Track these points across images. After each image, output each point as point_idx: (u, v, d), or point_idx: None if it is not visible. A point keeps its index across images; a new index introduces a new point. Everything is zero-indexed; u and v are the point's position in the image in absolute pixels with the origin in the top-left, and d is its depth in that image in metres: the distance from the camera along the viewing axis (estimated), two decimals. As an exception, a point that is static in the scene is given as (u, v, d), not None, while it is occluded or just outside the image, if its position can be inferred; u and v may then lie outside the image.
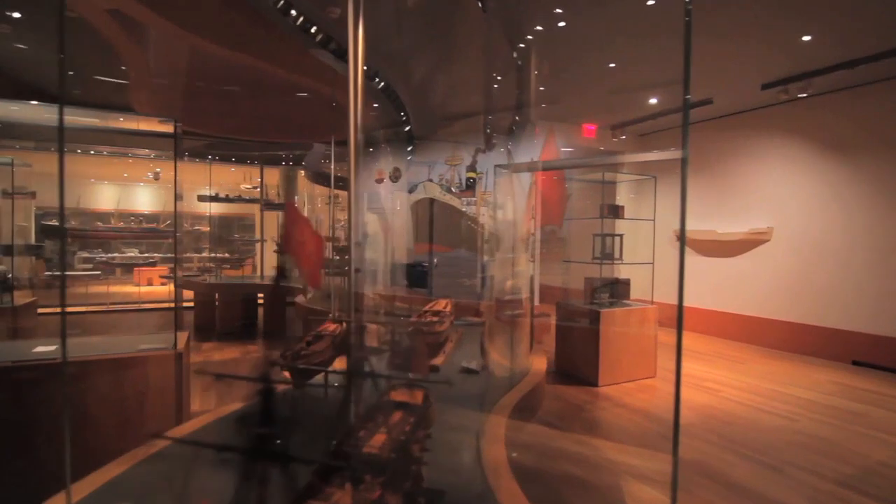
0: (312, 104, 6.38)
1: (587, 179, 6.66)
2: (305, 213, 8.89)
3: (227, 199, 10.53)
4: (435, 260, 6.27)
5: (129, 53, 4.73)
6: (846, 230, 6.94)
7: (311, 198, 8.83)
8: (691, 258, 9.08)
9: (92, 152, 10.96)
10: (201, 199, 10.43)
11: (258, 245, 10.04)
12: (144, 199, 13.76)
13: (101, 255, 12.09)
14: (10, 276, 4.96)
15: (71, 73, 6.02)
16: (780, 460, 3.77)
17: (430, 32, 4.91)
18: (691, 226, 8.98)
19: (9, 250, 6.06)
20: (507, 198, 4.77)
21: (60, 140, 1.76)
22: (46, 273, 11.01)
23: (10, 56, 5.70)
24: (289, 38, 3.97)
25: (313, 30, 3.76)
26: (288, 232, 1.40)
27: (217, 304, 8.22)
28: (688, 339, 8.25)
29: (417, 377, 1.83)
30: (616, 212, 6.20)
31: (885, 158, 6.58)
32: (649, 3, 4.65)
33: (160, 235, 12.39)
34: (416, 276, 6.94)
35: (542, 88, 6.99)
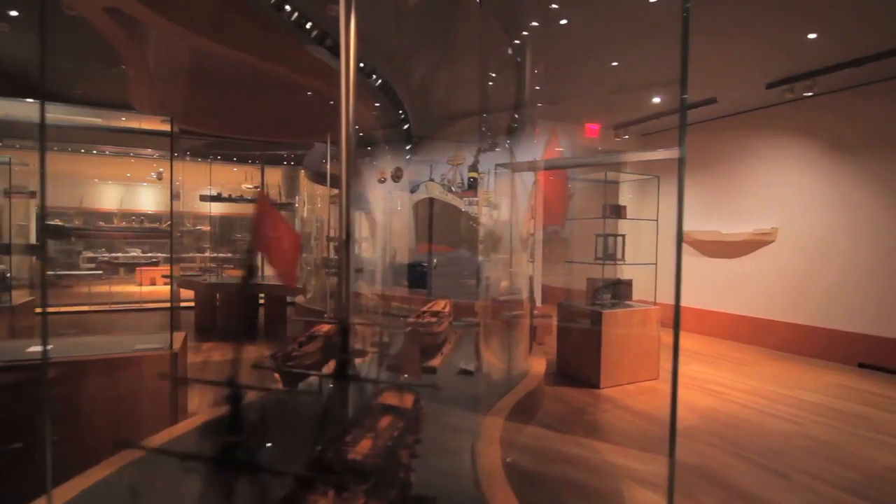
0: (313, 103, 6.34)
1: (589, 179, 6.60)
2: (305, 213, 8.86)
3: (228, 199, 10.51)
4: (434, 260, 6.22)
5: (127, 51, 4.71)
6: (851, 230, 6.85)
7: (311, 198, 8.80)
8: (695, 259, 9.00)
9: (95, 152, 10.96)
10: (203, 198, 10.41)
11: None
12: (148, 199, 13.78)
13: (104, 255, 12.10)
14: (8, 275, 4.93)
15: (70, 68, 6.02)
16: (784, 465, 3.71)
17: (428, 29, 4.87)
18: (695, 226, 8.91)
19: (9, 249, 6.05)
20: (508, 197, 4.72)
21: (42, 137, 1.72)
22: (49, 272, 11.03)
23: (9, 54, 5.69)
24: (285, 34, 3.94)
25: (308, 25, 3.72)
26: (259, 228, 1.34)
27: (218, 304, 8.20)
28: (691, 341, 8.17)
29: (406, 380, 1.78)
30: (618, 212, 6.14)
31: (890, 158, 6.50)
32: (651, 0, 4.59)
33: (161, 235, 12.39)
34: (417, 276, 6.90)
35: (543, 88, 6.93)
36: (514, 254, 4.78)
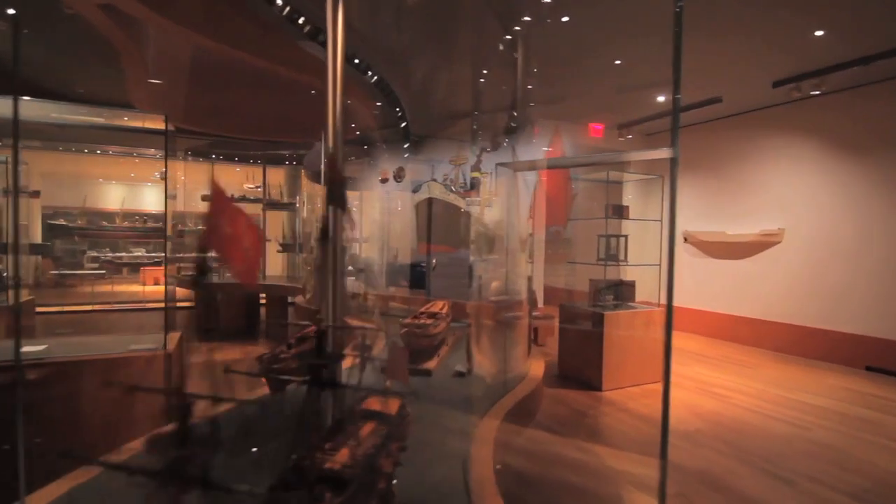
0: (313, 102, 6.29)
1: (592, 179, 6.53)
2: (305, 213, 8.82)
3: (230, 199, 10.50)
4: (434, 260, 6.15)
5: (124, 48, 4.68)
6: (859, 231, 6.74)
7: (311, 197, 8.75)
8: (700, 260, 8.90)
9: (98, 152, 10.98)
10: (205, 199, 10.39)
11: (263, 245, 9.99)
12: (151, 198, 13.81)
13: (108, 255, 12.12)
14: (4, 274, 4.91)
15: (70, 67, 6.00)
16: (790, 471, 3.62)
17: (425, 26, 4.81)
18: (700, 227, 8.81)
19: (11, 249, 6.04)
20: (507, 197, 4.65)
21: (15, 134, 1.68)
22: (53, 272, 11.07)
23: (7, 52, 5.67)
24: (281, 32, 3.89)
25: (301, 20, 3.67)
26: (213, 224, 1.28)
27: (219, 304, 8.18)
28: (695, 343, 8.07)
29: (381, 386, 1.72)
30: (620, 212, 6.06)
31: (900, 158, 6.39)
32: (654, -3, 4.51)
33: (162, 235, 12.40)
34: (418, 276, 6.84)
35: (546, 87, 6.86)
36: (512, 254, 4.71)
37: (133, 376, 3.29)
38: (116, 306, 10.10)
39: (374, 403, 1.58)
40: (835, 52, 5.76)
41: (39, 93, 6.22)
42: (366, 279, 7.25)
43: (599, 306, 5.70)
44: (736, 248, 8.28)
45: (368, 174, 8.68)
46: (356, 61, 5.05)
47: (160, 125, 4.72)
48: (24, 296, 5.85)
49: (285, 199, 9.99)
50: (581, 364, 5.70)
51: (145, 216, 12.90)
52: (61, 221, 11.41)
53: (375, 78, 5.46)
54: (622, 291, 5.91)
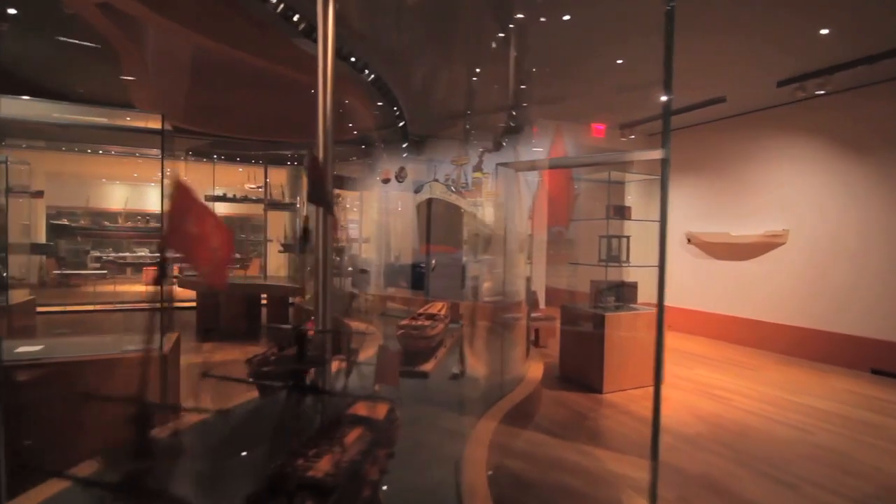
0: (313, 102, 6.26)
1: (594, 179, 6.48)
2: (305, 213, 8.81)
3: (233, 199, 10.50)
4: (433, 261, 6.12)
5: (123, 47, 4.66)
6: (863, 232, 6.66)
7: (311, 197, 8.73)
8: (703, 261, 8.84)
9: (101, 152, 11.01)
10: (207, 199, 10.40)
11: (264, 245, 9.98)
12: (155, 198, 13.84)
13: (111, 255, 12.15)
14: (3, 274, 4.90)
15: (69, 66, 6.00)
16: (792, 475, 3.57)
17: (425, 25, 4.78)
18: (704, 228, 8.74)
19: (15, 249, 6.05)
20: (507, 197, 4.62)
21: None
22: (56, 271, 11.10)
23: (7, 52, 5.67)
24: (273, 28, 3.87)
25: (295, 18, 3.65)
26: (176, 223, 1.24)
27: (220, 304, 8.16)
28: (698, 345, 8.01)
29: (363, 392, 1.68)
30: (622, 212, 6.02)
31: (905, 158, 6.31)
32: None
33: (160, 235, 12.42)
34: (418, 277, 6.82)
35: (547, 86, 6.81)
36: (510, 255, 4.68)
37: (124, 379, 3.26)
38: (118, 306, 10.11)
39: (361, 408, 1.55)
40: (839, 51, 5.70)
41: (40, 93, 6.23)
42: (367, 280, 7.22)
43: (601, 308, 5.65)
44: (739, 250, 8.21)
45: (368, 174, 8.66)
46: (352, 59, 5.01)
47: (160, 125, 4.71)
48: (25, 295, 5.85)
49: (287, 200, 9.98)
50: (582, 366, 5.65)
51: (148, 216, 12.91)
52: (64, 221, 11.45)
53: (372, 77, 5.43)
54: (624, 292, 5.85)
